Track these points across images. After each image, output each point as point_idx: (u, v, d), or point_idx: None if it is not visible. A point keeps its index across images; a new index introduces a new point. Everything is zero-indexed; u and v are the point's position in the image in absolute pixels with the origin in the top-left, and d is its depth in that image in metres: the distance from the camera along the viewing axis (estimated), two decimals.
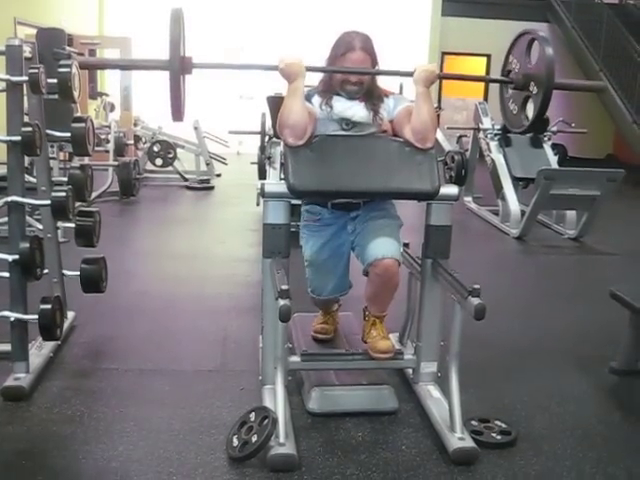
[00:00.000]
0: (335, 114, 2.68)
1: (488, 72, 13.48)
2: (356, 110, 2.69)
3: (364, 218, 2.76)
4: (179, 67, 2.58)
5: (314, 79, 2.81)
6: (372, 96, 2.72)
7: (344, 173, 2.60)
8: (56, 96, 3.11)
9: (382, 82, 2.81)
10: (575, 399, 2.99)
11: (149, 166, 8.62)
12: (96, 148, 4.05)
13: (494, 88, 13.10)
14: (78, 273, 3.32)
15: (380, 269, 2.64)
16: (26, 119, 2.96)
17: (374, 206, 2.77)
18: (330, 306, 3.13)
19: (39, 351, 3.10)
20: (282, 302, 2.28)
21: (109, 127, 7.59)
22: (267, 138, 6.31)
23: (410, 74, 2.68)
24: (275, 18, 11.87)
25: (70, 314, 3.56)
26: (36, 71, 2.84)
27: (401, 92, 3.03)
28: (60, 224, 3.61)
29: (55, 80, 3.04)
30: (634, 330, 3.17)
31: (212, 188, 8.54)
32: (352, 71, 2.66)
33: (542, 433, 2.67)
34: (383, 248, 2.64)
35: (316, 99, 2.71)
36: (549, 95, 2.74)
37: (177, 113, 2.71)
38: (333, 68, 2.69)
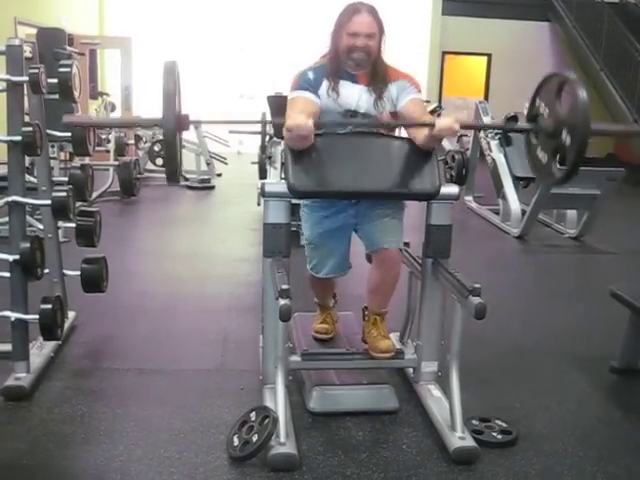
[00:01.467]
0: (340, 104, 2.67)
1: (488, 71, 13.49)
2: (361, 100, 2.67)
3: (367, 203, 2.74)
4: (174, 125, 2.35)
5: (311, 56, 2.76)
6: (377, 74, 2.67)
7: (345, 173, 2.60)
8: (57, 96, 3.11)
9: (388, 60, 2.74)
10: (575, 398, 2.99)
11: (150, 166, 8.61)
12: (97, 148, 4.05)
13: (494, 88, 13.15)
14: (79, 273, 3.32)
15: (384, 257, 2.68)
16: (27, 119, 2.97)
17: None
18: (327, 296, 3.12)
19: (40, 351, 3.11)
20: (282, 302, 2.28)
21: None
22: (268, 138, 6.30)
23: (431, 125, 2.52)
24: (274, 18, 11.86)
25: (71, 314, 3.57)
26: (36, 71, 2.85)
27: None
28: (61, 224, 3.61)
29: (55, 80, 3.04)
30: (634, 329, 3.17)
31: (213, 188, 8.54)
32: (367, 125, 2.66)
33: (543, 432, 2.67)
34: (388, 237, 2.67)
35: (323, 86, 2.66)
36: (585, 143, 2.49)
37: (173, 175, 2.52)
38: (346, 121, 2.67)
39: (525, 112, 2.83)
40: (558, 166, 2.63)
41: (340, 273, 2.93)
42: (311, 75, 2.68)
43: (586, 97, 2.47)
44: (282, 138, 2.71)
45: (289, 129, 2.47)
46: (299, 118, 2.45)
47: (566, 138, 2.54)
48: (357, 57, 2.64)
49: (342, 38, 2.63)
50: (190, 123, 2.48)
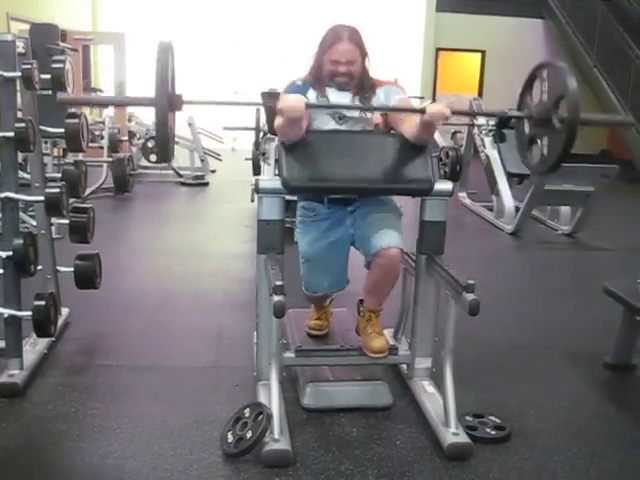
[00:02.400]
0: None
1: (482, 68, 13.51)
2: (347, 104, 2.69)
3: (364, 210, 2.74)
4: (167, 104, 2.35)
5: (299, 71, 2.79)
6: (363, 88, 2.71)
7: (338, 169, 2.60)
8: (50, 92, 3.10)
9: (375, 73, 2.78)
10: (569, 394, 3.00)
11: (143, 162, 8.59)
12: (90, 144, 4.03)
13: (489, 85, 13.16)
14: (72, 269, 3.31)
15: (385, 259, 2.63)
16: (19, 115, 2.95)
17: (372, 198, 2.77)
18: (323, 301, 3.13)
19: (33, 348, 3.10)
20: (276, 298, 2.27)
21: (103, 123, 7.56)
22: (261, 134, 6.30)
23: (421, 111, 2.54)
24: (268, 13, 11.85)
25: (64, 310, 3.56)
26: (29, 67, 2.83)
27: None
28: (54, 220, 3.60)
29: (48, 76, 3.03)
30: (627, 325, 3.18)
31: (206, 184, 8.53)
32: (360, 107, 2.66)
33: (536, 428, 2.68)
34: (387, 238, 2.63)
35: (311, 93, 2.70)
36: (575, 131, 2.51)
37: (164, 155, 2.54)
38: (333, 105, 2.68)
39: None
40: (546, 154, 2.66)
41: (338, 288, 2.94)
42: (299, 83, 2.72)
43: (576, 86, 2.50)
44: (276, 134, 2.71)
45: (282, 110, 2.47)
46: (292, 98, 2.49)
47: (556, 126, 2.56)
48: (340, 81, 2.68)
49: (325, 63, 2.67)
50: (183, 103, 2.50)
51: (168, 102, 2.36)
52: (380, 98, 2.72)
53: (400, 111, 2.69)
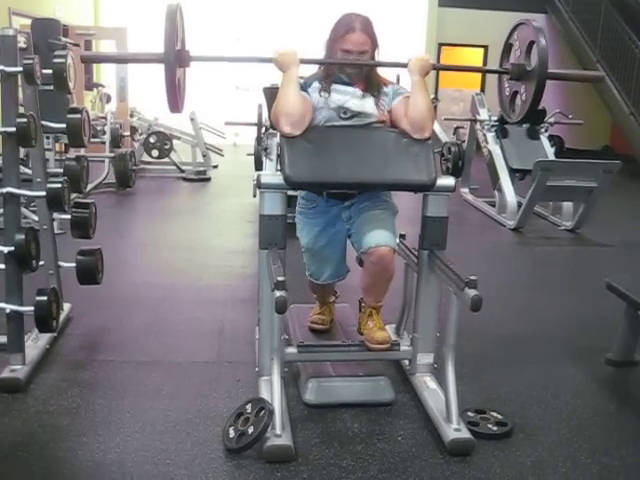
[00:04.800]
0: (332, 102, 2.67)
1: (485, 63, 13.44)
2: (356, 100, 2.67)
3: (359, 207, 2.75)
4: (174, 60, 2.53)
5: (309, 70, 2.80)
6: (371, 84, 2.70)
7: (340, 164, 2.59)
8: (51, 87, 3.10)
9: (380, 73, 2.79)
10: (571, 390, 3.00)
11: (145, 157, 8.59)
12: (92, 139, 4.04)
13: (491, 80, 13.12)
14: (74, 265, 3.32)
15: (375, 257, 2.64)
16: (21, 110, 2.95)
17: (369, 195, 2.77)
18: (327, 296, 3.14)
19: (35, 343, 3.10)
20: (278, 293, 2.27)
21: (105, 118, 7.56)
22: (264, 129, 6.29)
23: (405, 65, 2.67)
24: (272, 8, 11.81)
25: (66, 306, 3.56)
26: (31, 62, 2.83)
27: (398, 82, 3.00)
28: (56, 216, 3.60)
29: (50, 71, 3.02)
30: (630, 321, 3.18)
31: (208, 179, 8.52)
32: (347, 62, 2.65)
33: (538, 424, 2.68)
34: (378, 236, 2.63)
35: (315, 86, 2.69)
36: (542, 85, 2.77)
37: (174, 105, 2.68)
38: (328, 60, 2.69)
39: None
40: (522, 101, 2.98)
41: (339, 278, 2.98)
42: (301, 80, 2.70)
43: (545, 42, 2.82)
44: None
45: (275, 57, 2.60)
46: (283, 49, 2.60)
47: (528, 80, 2.88)
48: (350, 72, 2.67)
49: (336, 52, 2.66)
50: (191, 59, 2.70)
51: (175, 58, 2.54)
52: (389, 95, 2.72)
53: (383, 65, 2.78)
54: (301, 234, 2.88)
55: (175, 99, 2.62)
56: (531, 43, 2.91)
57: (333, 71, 2.69)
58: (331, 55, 2.68)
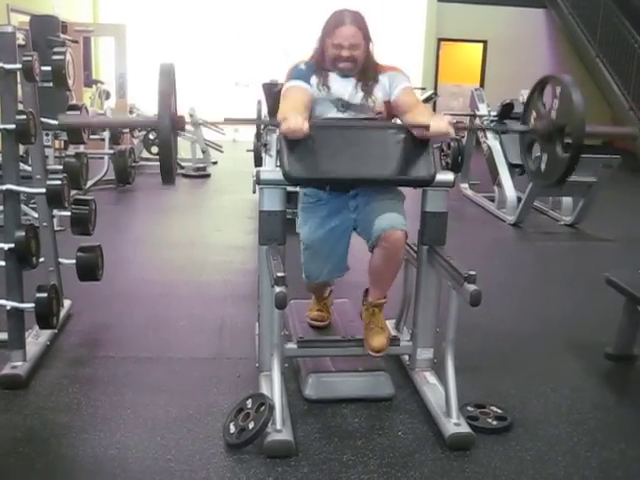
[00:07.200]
0: (331, 94, 2.67)
1: (484, 58, 13.45)
2: (350, 92, 2.67)
3: (366, 194, 2.71)
4: (170, 125, 2.37)
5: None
6: (367, 75, 2.69)
7: (340, 160, 2.59)
8: (50, 84, 3.10)
9: (379, 58, 2.76)
10: (570, 384, 3.01)
11: (145, 154, 8.58)
12: (91, 136, 4.04)
13: (490, 75, 13.12)
14: (74, 261, 3.32)
15: (388, 241, 2.59)
16: (20, 107, 2.95)
17: None
18: (323, 291, 3.13)
19: (36, 339, 3.11)
20: (278, 289, 2.28)
21: (104, 115, 7.55)
22: (263, 125, 6.28)
23: (425, 127, 2.55)
24: (271, 5, 11.79)
25: (66, 302, 3.57)
26: (30, 59, 2.83)
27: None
28: (56, 212, 3.61)
29: (49, 68, 3.02)
30: (629, 315, 3.18)
31: (208, 176, 8.51)
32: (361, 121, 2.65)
33: (537, 418, 2.69)
34: (392, 220, 2.60)
35: (313, 79, 2.68)
36: (581, 145, 2.50)
37: (168, 176, 2.50)
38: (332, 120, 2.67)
39: (521, 99, 2.88)
40: (544, 171, 2.70)
41: (338, 275, 2.93)
42: (303, 66, 2.70)
43: (582, 100, 2.48)
44: (277, 126, 2.70)
45: (284, 134, 2.47)
46: (293, 122, 2.42)
47: (562, 141, 2.56)
48: (343, 66, 2.66)
49: (328, 47, 2.65)
50: (186, 124, 2.56)
51: (171, 124, 2.39)
52: (385, 84, 2.70)
53: (402, 128, 2.66)
54: (302, 229, 2.84)
55: (170, 166, 2.47)
56: (562, 99, 2.62)
57: (325, 63, 2.68)
58: (323, 49, 2.67)
